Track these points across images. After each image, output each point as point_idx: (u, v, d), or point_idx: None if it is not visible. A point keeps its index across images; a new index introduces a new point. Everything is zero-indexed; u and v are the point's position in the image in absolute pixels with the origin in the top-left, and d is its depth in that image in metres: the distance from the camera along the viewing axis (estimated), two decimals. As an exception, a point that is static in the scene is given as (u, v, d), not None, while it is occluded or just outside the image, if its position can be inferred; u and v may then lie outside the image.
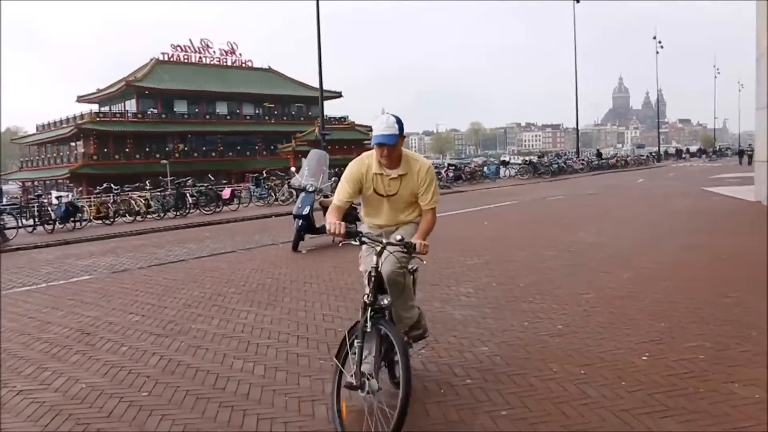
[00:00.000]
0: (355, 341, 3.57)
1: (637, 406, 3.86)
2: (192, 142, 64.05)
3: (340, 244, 4.03)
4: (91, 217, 19.39)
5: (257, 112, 69.29)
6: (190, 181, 23.16)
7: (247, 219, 19.53)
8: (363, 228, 4.23)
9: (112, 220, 19.08)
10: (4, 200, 21.62)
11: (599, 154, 56.48)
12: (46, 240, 15.35)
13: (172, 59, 65.09)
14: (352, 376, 3.51)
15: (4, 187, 38.04)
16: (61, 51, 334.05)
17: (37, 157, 68.87)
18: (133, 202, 20.11)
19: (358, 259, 4.28)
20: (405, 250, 3.66)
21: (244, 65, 70.07)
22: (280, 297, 7.55)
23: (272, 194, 24.91)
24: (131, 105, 62.49)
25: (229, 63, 69.03)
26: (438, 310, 6.43)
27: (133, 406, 4.24)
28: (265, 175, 27.18)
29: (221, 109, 67.02)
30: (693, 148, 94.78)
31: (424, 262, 3.66)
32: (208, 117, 65.40)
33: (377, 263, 3.71)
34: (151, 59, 64.43)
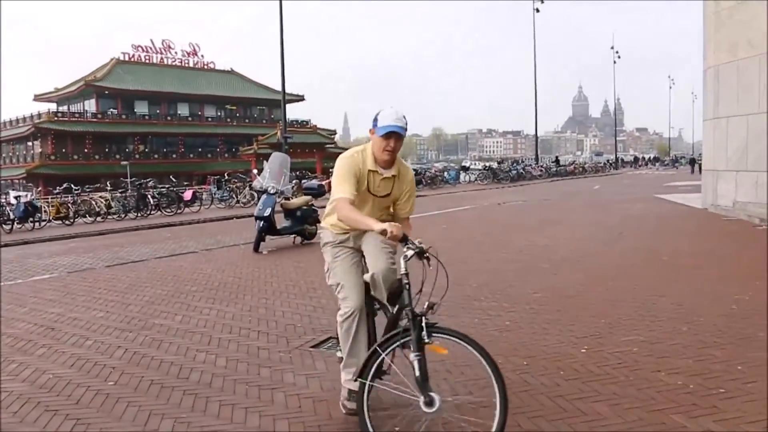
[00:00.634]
0: (412, 355, 3.27)
1: (572, 392, 4.20)
2: (153, 143, 63.60)
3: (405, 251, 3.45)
4: (51, 218, 19.30)
5: (219, 114, 69.07)
6: (151, 182, 23.15)
7: (209, 220, 19.63)
8: (326, 234, 4.02)
9: (72, 220, 19.00)
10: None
11: (557, 161, 57.72)
12: (5, 240, 15.27)
13: (132, 59, 64.61)
14: (416, 395, 3.28)
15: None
16: (18, 48, 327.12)
17: (-9, 157, 67.64)
18: (93, 202, 20.07)
19: (324, 272, 4.04)
20: (417, 253, 3.41)
21: (206, 67, 69.83)
22: (241, 295, 7.77)
23: (234, 196, 25.03)
24: (90, 105, 61.82)
25: (191, 64, 68.74)
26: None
27: (100, 394, 4.45)
28: (226, 177, 27.25)
29: (182, 110, 66.69)
30: (648, 157, 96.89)
31: (430, 267, 3.42)
32: (169, 118, 65.03)
33: (405, 267, 3.43)
34: (112, 59, 63.81)
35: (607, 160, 72.40)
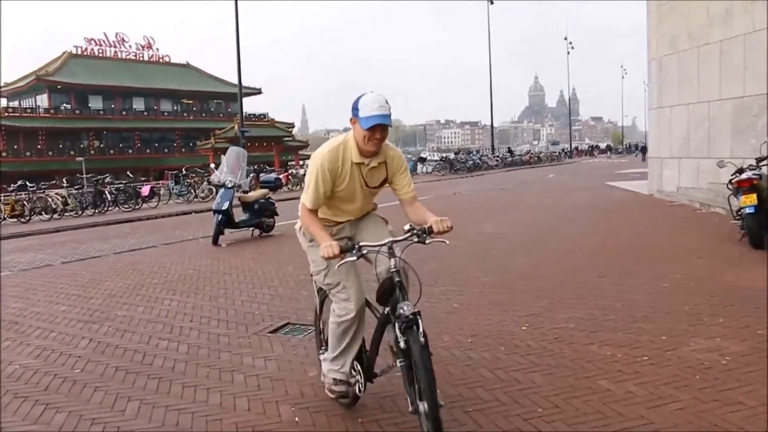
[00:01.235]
0: (397, 362, 3.20)
1: (511, 365, 4.56)
2: (108, 138, 62.78)
3: (337, 267, 3.37)
4: (6, 216, 19.15)
5: (175, 108, 68.38)
6: (108, 179, 23.06)
7: (167, 216, 19.69)
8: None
9: (28, 218, 18.89)
10: None
11: (510, 152, 58.79)
12: (-40, 238, 15.16)
13: (85, 53, 63.45)
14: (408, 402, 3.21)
15: None
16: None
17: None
18: (49, 199, 19.95)
19: (311, 271, 3.81)
20: (416, 240, 3.31)
21: (161, 60, 69.01)
22: (201, 286, 8.00)
23: (192, 191, 25.04)
24: (43, 100, 60.62)
25: (146, 58, 67.87)
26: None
27: (68, 381, 4.67)
28: (184, 172, 27.23)
29: (138, 105, 65.85)
30: (603, 145, 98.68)
31: (447, 243, 3.32)
32: (124, 113, 64.15)
33: (394, 264, 3.27)
34: (64, 52, 62.60)
35: (563, 149, 73.65)
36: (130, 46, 66.47)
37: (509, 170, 43.07)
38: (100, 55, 64.31)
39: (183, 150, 64.26)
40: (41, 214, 19.58)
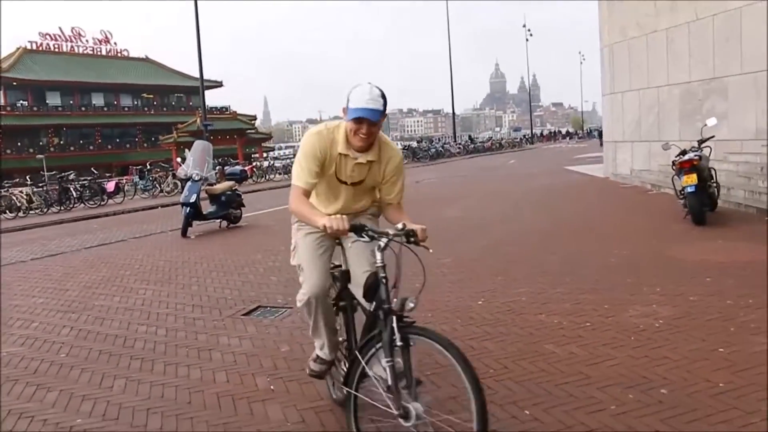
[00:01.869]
0: (383, 361, 2.87)
1: (466, 335, 4.99)
2: (68, 135, 61.80)
3: (351, 244, 3.35)
4: (-31, 215, 19.10)
5: (136, 103, 67.63)
6: (72, 175, 23.04)
7: (134, 210, 19.80)
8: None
9: (-7, 217, 18.89)
10: None
11: (471, 139, 59.63)
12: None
13: (41, 48, 62.28)
14: (388, 405, 2.90)
15: None
16: None
17: None
18: (14, 197, 19.91)
19: (291, 250, 3.66)
20: (407, 240, 3.11)
21: (119, 55, 68.09)
22: (173, 276, 8.31)
23: (157, 186, 25.13)
24: (-3, 97, 59.50)
25: (104, 52, 66.81)
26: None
27: (55, 365, 4.98)
28: (149, 167, 27.26)
29: (97, 100, 64.95)
30: (564, 131, 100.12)
31: (431, 251, 3.17)
32: (83, 109, 63.19)
33: (381, 259, 3.01)
34: (18, 48, 61.37)
35: (524, 136, 74.71)
36: (87, 41, 65.40)
37: (471, 157, 43.72)
38: (56, 50, 63.16)
39: (145, 145, 63.72)
40: (5, 213, 19.57)
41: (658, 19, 14.97)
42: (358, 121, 3.17)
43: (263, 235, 11.53)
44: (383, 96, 3.18)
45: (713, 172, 9.91)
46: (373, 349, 3.00)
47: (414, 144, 48.14)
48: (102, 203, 21.64)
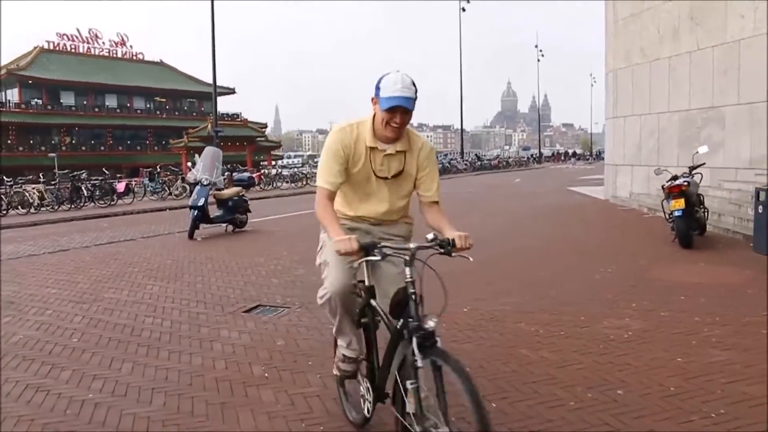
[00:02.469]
0: (408, 383, 2.73)
1: (448, 338, 5.33)
2: (80, 135, 62.62)
3: (357, 264, 3.10)
4: (-18, 209, 19.57)
5: (148, 106, 68.44)
6: (84, 175, 23.56)
7: (143, 212, 20.26)
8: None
9: (5, 212, 19.34)
10: None
11: (478, 157, 60.31)
12: (-60, 229, 15.63)
13: (57, 48, 63.22)
14: (412, 425, 2.73)
15: None
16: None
17: None
18: (26, 194, 20.39)
19: (317, 251, 3.58)
20: (442, 251, 2.99)
21: (134, 58, 69.02)
22: (180, 274, 8.72)
23: (166, 188, 25.61)
24: (13, 94, 60.22)
25: (119, 55, 67.77)
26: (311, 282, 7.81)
27: (67, 348, 5.38)
28: (159, 170, 27.80)
29: (111, 102, 65.77)
30: (571, 152, 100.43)
31: (471, 260, 3.05)
32: (96, 110, 64.06)
33: (411, 274, 2.90)
34: (35, 47, 62.30)
35: (531, 155, 75.22)
36: (103, 43, 66.38)
37: (478, 174, 44.19)
38: (73, 50, 64.11)
39: (155, 148, 64.45)
40: (17, 209, 20.02)
41: (662, 47, 15.39)
42: (391, 110, 3.06)
43: (267, 241, 11.94)
44: (414, 84, 3.09)
45: (701, 198, 10.28)
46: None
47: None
48: (112, 203, 22.14)
